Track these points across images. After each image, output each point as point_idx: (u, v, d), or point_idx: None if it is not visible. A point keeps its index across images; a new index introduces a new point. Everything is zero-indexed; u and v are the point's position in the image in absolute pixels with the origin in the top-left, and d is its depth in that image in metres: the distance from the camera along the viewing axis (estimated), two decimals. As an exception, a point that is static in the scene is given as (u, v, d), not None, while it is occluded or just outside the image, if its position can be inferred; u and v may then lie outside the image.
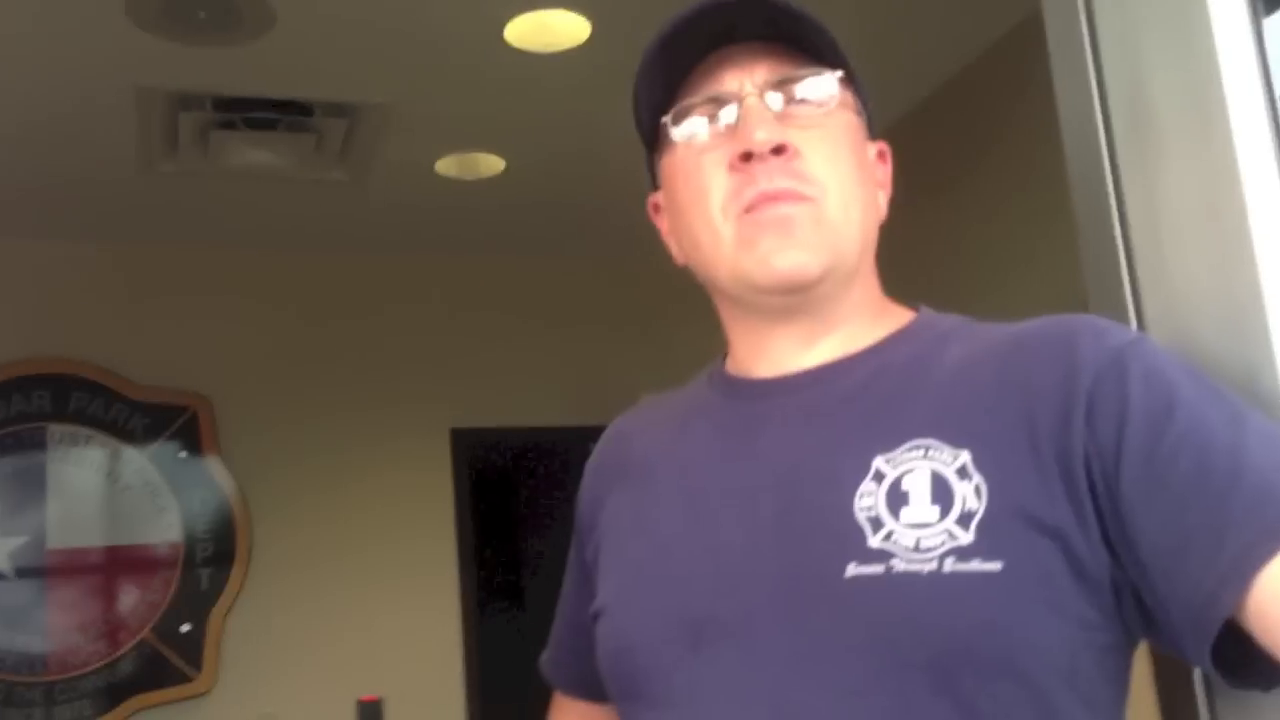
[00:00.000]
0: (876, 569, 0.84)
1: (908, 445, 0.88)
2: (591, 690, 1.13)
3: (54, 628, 3.79)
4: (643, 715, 0.97)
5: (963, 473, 0.85)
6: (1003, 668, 0.81)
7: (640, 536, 1.02)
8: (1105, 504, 0.81)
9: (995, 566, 0.81)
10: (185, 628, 3.94)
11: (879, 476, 0.88)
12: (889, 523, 0.85)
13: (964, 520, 0.83)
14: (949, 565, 0.82)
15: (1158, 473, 0.79)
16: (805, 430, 0.95)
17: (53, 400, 3.92)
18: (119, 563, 3.92)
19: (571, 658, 1.17)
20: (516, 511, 6.61)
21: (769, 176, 0.92)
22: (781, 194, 0.92)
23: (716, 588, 0.92)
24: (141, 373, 4.02)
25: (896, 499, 0.86)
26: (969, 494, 0.84)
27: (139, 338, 4.04)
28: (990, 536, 0.82)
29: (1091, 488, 0.81)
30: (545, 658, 1.23)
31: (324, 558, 4.10)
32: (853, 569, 0.85)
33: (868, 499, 0.87)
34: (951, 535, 0.83)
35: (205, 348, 4.11)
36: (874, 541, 0.85)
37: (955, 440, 0.87)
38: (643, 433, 1.11)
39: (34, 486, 3.85)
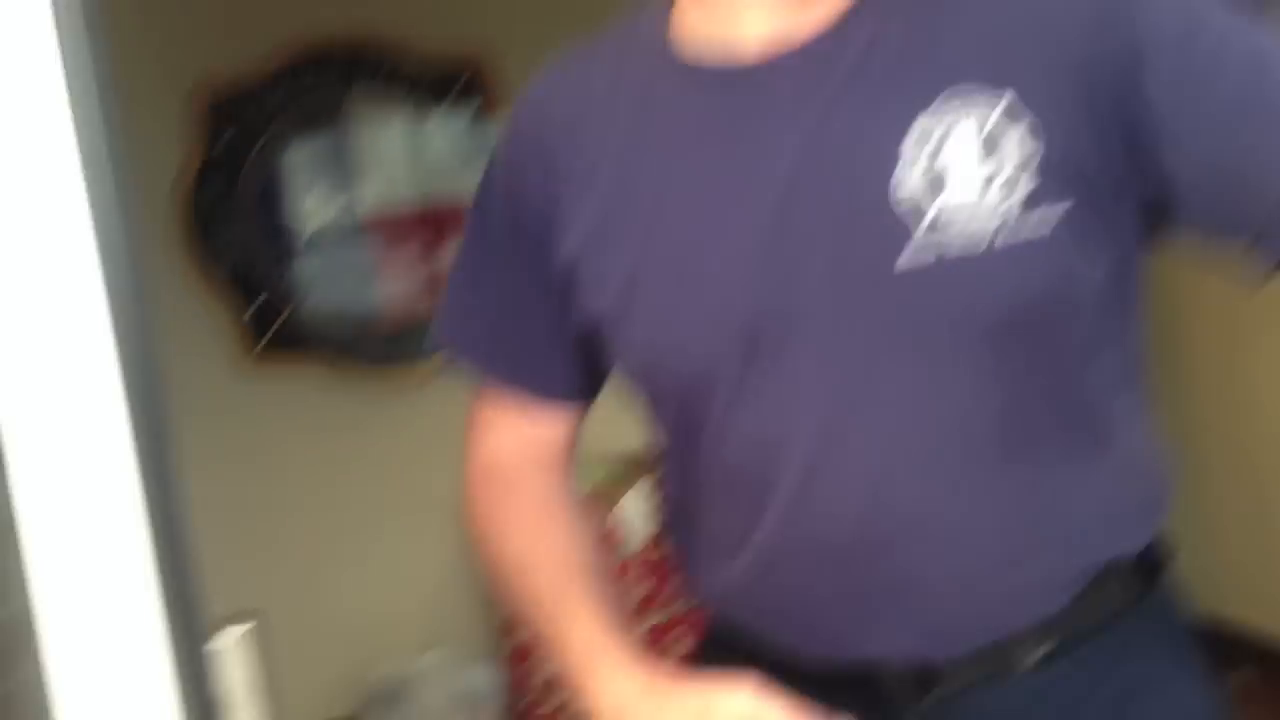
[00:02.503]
0: (931, 244, 0.81)
1: (944, 95, 0.81)
2: (543, 384, 1.09)
3: (379, 282, 4.05)
4: (699, 418, 0.92)
5: (1011, 114, 0.79)
6: (1064, 322, 0.83)
7: (638, 237, 0.95)
8: (1135, 116, 0.78)
9: (1065, 205, 0.79)
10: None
11: (923, 138, 0.80)
12: (937, 195, 0.80)
13: (1024, 166, 0.79)
14: (1011, 212, 0.79)
15: (1197, 74, 0.75)
16: (819, 104, 0.86)
17: (347, 71, 4.06)
18: (428, 219, 4.12)
19: (515, 342, 1.10)
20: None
21: None
22: None
23: (759, 285, 0.86)
24: (427, 41, 4.09)
25: (942, 161, 0.81)
26: (1024, 137, 0.79)
27: (422, 7, 4.11)
28: (1053, 177, 0.79)
29: (1119, 100, 0.77)
30: (462, 336, 1.17)
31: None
32: (906, 255, 0.82)
33: (912, 166, 0.81)
34: (1014, 186, 0.79)
35: (486, 12, 4.15)
36: (929, 213, 0.81)
37: (996, 80, 0.80)
38: (581, 113, 1.02)
39: (340, 153, 4.05)
